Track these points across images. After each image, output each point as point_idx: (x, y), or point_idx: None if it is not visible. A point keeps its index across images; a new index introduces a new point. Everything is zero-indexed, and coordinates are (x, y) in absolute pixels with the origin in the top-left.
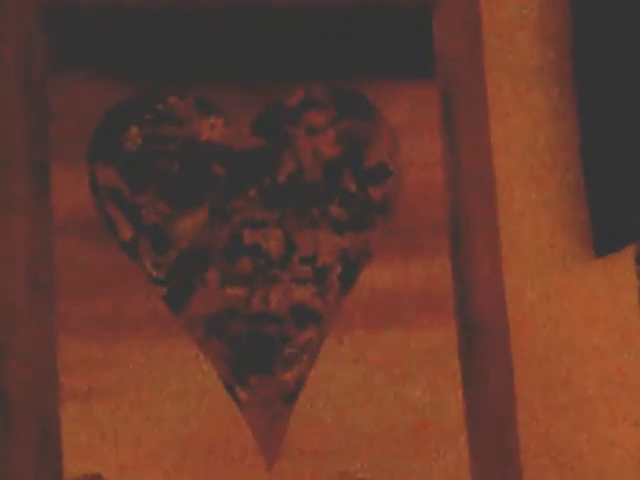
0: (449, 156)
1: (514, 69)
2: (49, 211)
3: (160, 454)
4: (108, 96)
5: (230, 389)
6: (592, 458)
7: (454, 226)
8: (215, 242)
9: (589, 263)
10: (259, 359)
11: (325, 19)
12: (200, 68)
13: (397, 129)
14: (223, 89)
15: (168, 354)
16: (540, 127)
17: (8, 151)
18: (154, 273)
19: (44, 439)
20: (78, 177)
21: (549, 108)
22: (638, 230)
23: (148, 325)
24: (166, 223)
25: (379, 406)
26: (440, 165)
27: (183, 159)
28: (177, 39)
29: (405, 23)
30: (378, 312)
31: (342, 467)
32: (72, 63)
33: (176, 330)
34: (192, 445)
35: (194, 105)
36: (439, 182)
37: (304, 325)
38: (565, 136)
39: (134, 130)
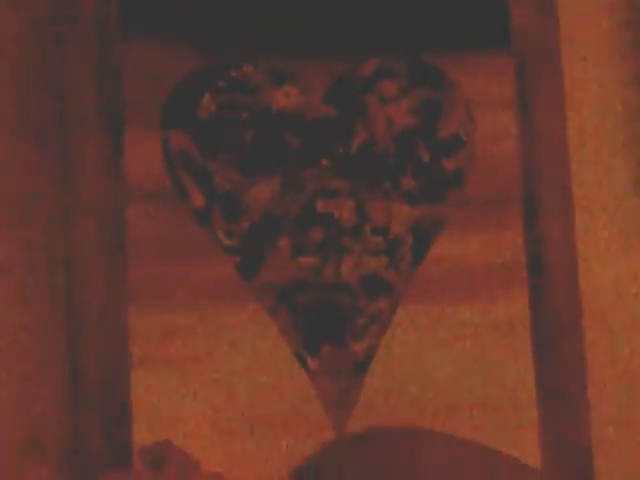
0: (523, 128)
1: (590, 40)
2: (122, 176)
3: (229, 423)
4: (182, 63)
5: (301, 359)
6: None
7: (527, 199)
8: (287, 211)
9: None
10: (330, 329)
11: None
12: (275, 36)
13: (471, 101)
14: (297, 58)
15: (239, 323)
16: (616, 101)
17: (82, 116)
18: (226, 241)
19: (113, 406)
20: (151, 143)
21: (626, 81)
22: None
23: (219, 293)
24: (238, 191)
25: (449, 379)
26: (514, 137)
27: (256, 127)
28: (253, 6)
29: None
30: (450, 284)
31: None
32: (147, 30)
33: (247, 299)
34: (261, 414)
35: (268, 73)
36: (513, 154)
37: (375, 296)
38: None
39: (207, 97)
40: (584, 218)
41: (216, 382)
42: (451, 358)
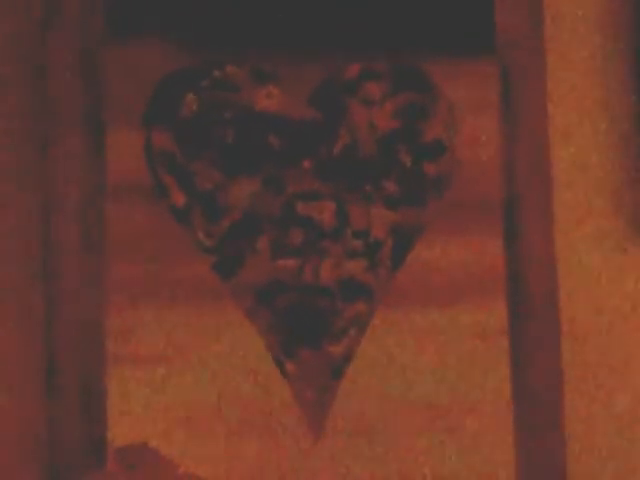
0: (506, 134)
1: (575, 47)
2: (103, 174)
3: (206, 424)
4: (166, 62)
5: (278, 361)
6: None
7: (508, 205)
8: (268, 212)
9: None
10: (308, 332)
11: None
12: (259, 37)
13: (455, 105)
14: (281, 59)
15: (216, 323)
16: (601, 110)
17: (64, 114)
18: (205, 241)
19: (89, 405)
20: (133, 141)
21: (612, 87)
22: None
23: (197, 293)
24: (219, 191)
25: (426, 383)
26: (497, 143)
27: (238, 127)
28: (237, 7)
29: None
30: (428, 288)
31: (387, 442)
32: (130, 28)
33: (225, 299)
34: (237, 417)
35: (251, 73)
36: (495, 160)
37: (353, 299)
38: (627, 120)
39: (190, 96)
40: (565, 226)
41: (192, 383)
42: (428, 362)
